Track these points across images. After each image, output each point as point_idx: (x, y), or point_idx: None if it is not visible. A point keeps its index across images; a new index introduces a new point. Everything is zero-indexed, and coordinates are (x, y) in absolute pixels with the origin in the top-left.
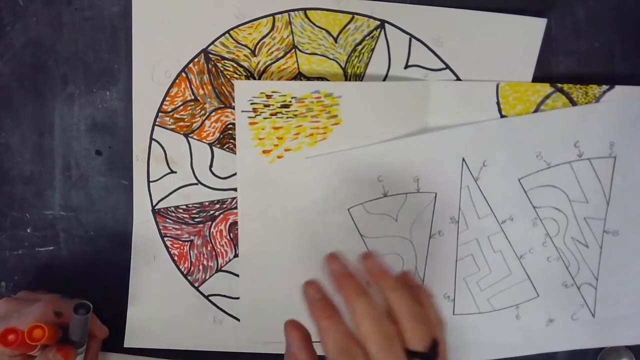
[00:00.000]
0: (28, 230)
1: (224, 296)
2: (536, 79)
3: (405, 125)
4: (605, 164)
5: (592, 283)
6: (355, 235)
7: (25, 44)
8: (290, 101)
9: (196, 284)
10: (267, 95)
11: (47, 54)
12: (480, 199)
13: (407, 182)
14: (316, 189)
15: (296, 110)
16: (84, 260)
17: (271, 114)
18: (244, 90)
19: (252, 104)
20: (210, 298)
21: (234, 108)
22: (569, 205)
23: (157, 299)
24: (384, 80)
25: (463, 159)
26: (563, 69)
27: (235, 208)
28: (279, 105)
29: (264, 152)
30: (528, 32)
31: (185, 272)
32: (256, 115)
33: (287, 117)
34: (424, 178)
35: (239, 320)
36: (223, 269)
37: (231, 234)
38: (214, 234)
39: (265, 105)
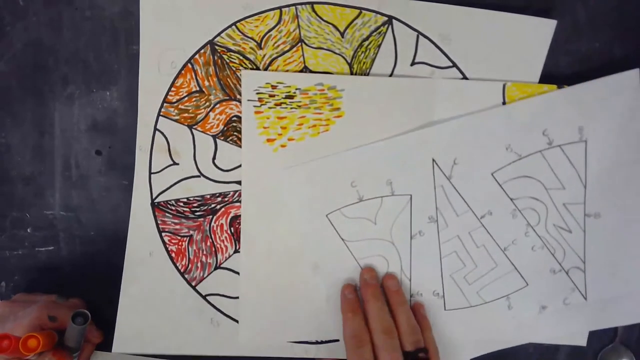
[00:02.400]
0: (28, 230)
1: (223, 296)
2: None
3: (409, 121)
4: (577, 148)
5: (580, 267)
6: (337, 240)
7: (25, 44)
8: (295, 92)
9: (193, 283)
10: (272, 86)
11: (47, 54)
12: (456, 196)
13: (380, 185)
14: (294, 199)
15: (300, 102)
16: (84, 260)
17: (276, 104)
18: (251, 80)
19: (257, 93)
20: (207, 298)
21: (238, 100)
22: (546, 194)
23: (150, 299)
24: (390, 76)
25: (433, 160)
26: (563, 69)
27: (237, 201)
28: (284, 96)
29: (268, 140)
30: (537, 32)
31: (182, 270)
32: (261, 105)
33: (291, 108)
34: (397, 181)
35: (237, 322)
36: (222, 265)
37: (232, 228)
38: (214, 228)
39: (271, 96)
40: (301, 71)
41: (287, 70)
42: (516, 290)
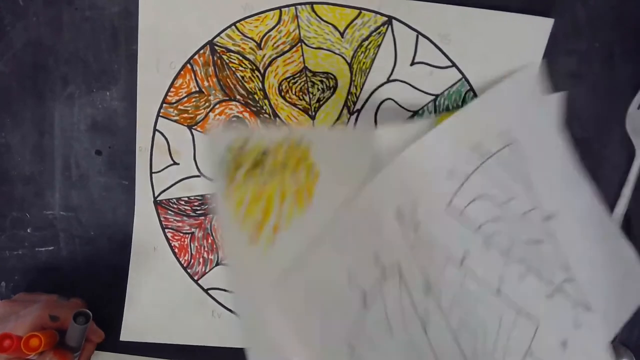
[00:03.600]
0: (28, 230)
1: (224, 290)
2: None
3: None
4: (509, 153)
5: (570, 276)
6: None
7: (25, 44)
8: (263, 155)
9: (196, 277)
10: (238, 149)
11: (47, 54)
12: (428, 250)
13: (371, 269)
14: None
15: (271, 168)
16: (84, 260)
17: (246, 176)
18: (213, 146)
19: (223, 164)
20: (209, 292)
21: (238, 101)
22: (500, 210)
23: (155, 291)
24: (389, 77)
25: (396, 213)
26: (563, 69)
27: None
28: (252, 164)
29: (250, 239)
30: (534, 31)
31: (185, 265)
32: (231, 184)
33: (264, 179)
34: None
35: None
36: (223, 262)
37: None
38: (215, 227)
39: (237, 168)
40: (301, 71)
41: (286, 71)
42: (533, 337)
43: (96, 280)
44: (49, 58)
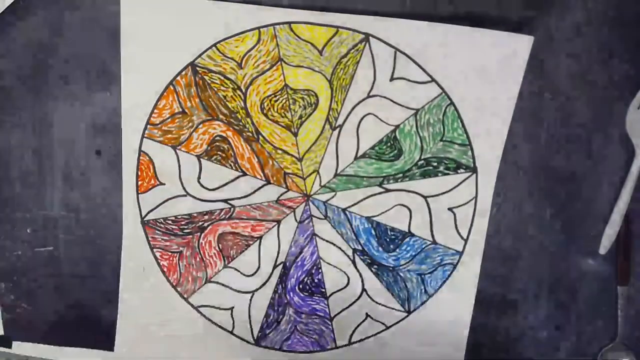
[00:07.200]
0: (28, 231)
1: (213, 307)
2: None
3: None
4: None
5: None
6: None
7: (25, 44)
8: None
9: (185, 295)
10: None
11: (47, 54)
12: None
13: None
14: None
15: None
16: (84, 260)
17: None
18: None
19: None
20: (200, 309)
21: (221, 120)
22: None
23: (146, 310)
24: (370, 92)
25: None
26: (563, 69)
27: (224, 219)
28: None
29: None
30: (514, 49)
31: (174, 284)
32: None
33: None
34: None
35: (229, 331)
36: (212, 280)
37: (220, 245)
38: (203, 244)
39: None
40: (282, 89)
41: (267, 89)
42: None
43: (95, 280)
44: (49, 58)
